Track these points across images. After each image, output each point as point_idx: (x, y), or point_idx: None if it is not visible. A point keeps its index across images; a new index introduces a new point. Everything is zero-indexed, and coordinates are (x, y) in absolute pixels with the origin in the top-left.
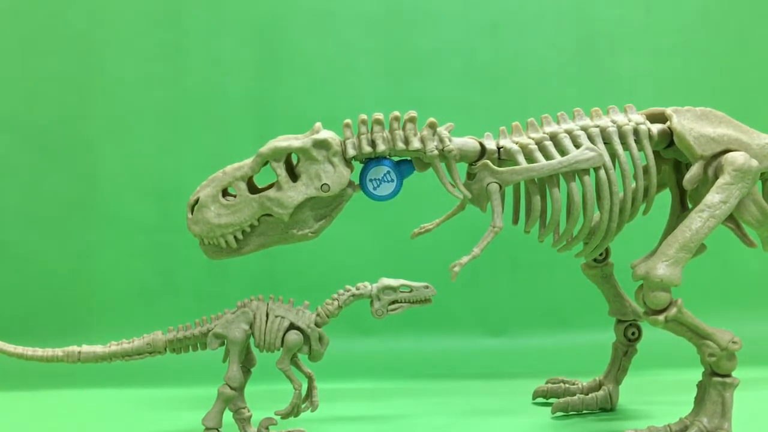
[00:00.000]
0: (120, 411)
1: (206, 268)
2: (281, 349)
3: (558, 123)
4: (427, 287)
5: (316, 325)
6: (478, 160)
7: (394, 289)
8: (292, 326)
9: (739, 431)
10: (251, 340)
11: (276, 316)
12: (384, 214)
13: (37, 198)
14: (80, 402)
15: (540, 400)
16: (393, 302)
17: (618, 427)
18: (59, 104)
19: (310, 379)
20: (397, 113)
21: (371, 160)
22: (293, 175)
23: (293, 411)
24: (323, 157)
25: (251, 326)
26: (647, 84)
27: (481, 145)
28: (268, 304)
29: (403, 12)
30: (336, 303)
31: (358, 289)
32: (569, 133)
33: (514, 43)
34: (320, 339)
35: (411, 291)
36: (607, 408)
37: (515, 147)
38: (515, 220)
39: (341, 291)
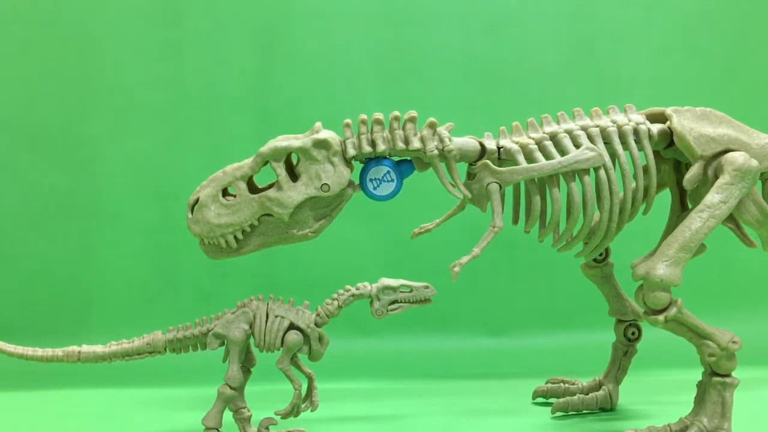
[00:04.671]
0: (120, 411)
1: (206, 268)
2: (281, 349)
3: (558, 123)
4: (427, 287)
5: (316, 325)
6: (478, 160)
7: (394, 289)
8: (292, 326)
9: (739, 431)
10: (251, 340)
11: (276, 316)
12: (384, 214)
13: (38, 198)
14: (80, 402)
15: (540, 400)
16: (393, 302)
17: (618, 427)
18: (59, 104)
19: (310, 379)
20: (397, 113)
21: (371, 160)
22: (293, 175)
23: (293, 411)
24: (323, 157)
25: (251, 326)
26: (647, 84)
27: (481, 145)
28: (268, 304)
29: (403, 12)
30: (336, 303)
31: (358, 289)
32: (569, 133)
33: (514, 43)
34: (320, 339)
35: (411, 291)
36: (607, 408)
37: (515, 147)
38: (515, 220)
39: (341, 291)
